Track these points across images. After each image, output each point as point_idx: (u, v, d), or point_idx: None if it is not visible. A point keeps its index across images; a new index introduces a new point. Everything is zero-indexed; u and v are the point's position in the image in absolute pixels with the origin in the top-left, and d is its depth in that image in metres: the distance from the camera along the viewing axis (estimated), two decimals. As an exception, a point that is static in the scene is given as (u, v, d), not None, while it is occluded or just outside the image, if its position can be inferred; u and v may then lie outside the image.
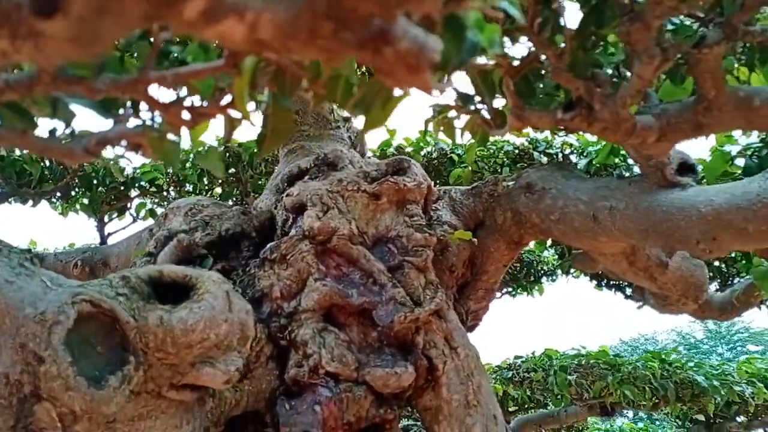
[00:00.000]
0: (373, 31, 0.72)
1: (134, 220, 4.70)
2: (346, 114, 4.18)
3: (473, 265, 3.50)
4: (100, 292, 2.02)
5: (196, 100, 1.30)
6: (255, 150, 4.85)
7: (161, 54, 1.31)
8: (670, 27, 1.98)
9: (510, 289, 6.59)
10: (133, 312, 2.04)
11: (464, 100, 2.03)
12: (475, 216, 3.50)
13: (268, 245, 2.97)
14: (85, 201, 4.43)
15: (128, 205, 4.66)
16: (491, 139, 4.77)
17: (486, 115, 2.02)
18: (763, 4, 1.69)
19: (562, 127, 1.96)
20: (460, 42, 0.94)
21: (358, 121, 4.23)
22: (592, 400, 4.70)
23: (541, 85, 2.05)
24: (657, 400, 4.56)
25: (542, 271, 5.95)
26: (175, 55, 1.32)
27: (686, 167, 2.67)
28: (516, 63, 1.82)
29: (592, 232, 2.93)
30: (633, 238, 2.79)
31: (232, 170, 5.25)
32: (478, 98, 2.03)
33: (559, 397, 4.91)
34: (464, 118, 2.29)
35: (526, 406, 6.47)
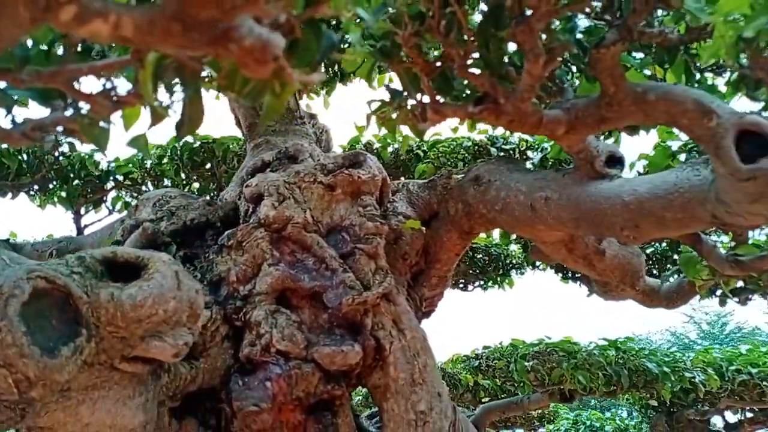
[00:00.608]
0: (218, 31, 0.90)
1: (110, 212, 4.88)
2: (312, 111, 4.35)
3: (427, 253, 3.67)
4: (56, 270, 2.19)
5: (122, 90, 1.48)
6: (228, 145, 5.03)
7: (86, 49, 1.48)
8: (582, 29, 2.17)
9: (481, 282, 6.79)
10: (86, 288, 2.21)
11: (393, 95, 2.21)
12: (429, 207, 3.67)
13: (226, 233, 3.15)
14: (63, 194, 4.61)
15: (104, 197, 4.84)
16: (453, 135, 4.95)
17: (415, 109, 2.20)
18: (652, 8, 1.87)
19: (477, 120, 2.14)
20: (318, 41, 1.12)
21: (324, 118, 4.40)
22: (552, 387, 4.88)
23: (465, 82, 2.22)
24: (613, 387, 4.75)
25: (510, 265, 6.14)
26: (99, 49, 1.49)
27: (614, 159, 2.84)
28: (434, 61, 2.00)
29: (531, 221, 3.11)
30: (566, 226, 2.97)
31: (208, 165, 5.44)
32: (405, 94, 2.21)
33: (521, 384, 5.08)
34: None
35: (497, 395, 6.67)
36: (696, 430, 5.76)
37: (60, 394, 2.23)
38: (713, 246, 2.84)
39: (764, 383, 4.80)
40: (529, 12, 1.64)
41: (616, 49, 1.96)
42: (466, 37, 1.77)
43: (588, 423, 6.95)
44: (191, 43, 0.90)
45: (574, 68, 2.68)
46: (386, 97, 2.34)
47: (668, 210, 2.57)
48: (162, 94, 1.46)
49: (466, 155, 4.51)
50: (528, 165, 4.37)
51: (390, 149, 5.00)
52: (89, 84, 1.43)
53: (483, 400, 6.60)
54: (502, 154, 4.34)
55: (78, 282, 2.21)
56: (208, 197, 3.92)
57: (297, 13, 1.08)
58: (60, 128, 1.54)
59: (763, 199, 1.96)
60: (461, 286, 6.84)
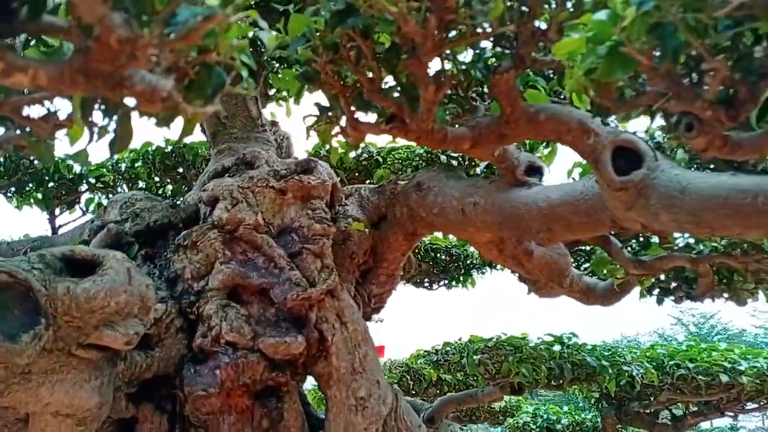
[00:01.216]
0: (115, 80, 1.18)
1: (83, 213, 5.13)
2: (273, 119, 4.62)
3: (375, 253, 3.95)
4: (18, 266, 2.46)
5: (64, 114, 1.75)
6: (197, 150, 5.29)
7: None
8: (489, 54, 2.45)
9: (445, 282, 7.08)
10: (45, 283, 2.48)
11: (321, 111, 2.49)
12: (378, 211, 3.94)
13: (183, 233, 3.42)
14: (39, 195, 4.86)
15: (77, 199, 5.10)
16: (407, 143, 5.23)
17: (337, 124, 2.49)
18: (537, 41, 2.15)
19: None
20: (210, 80, 1.40)
21: (285, 126, 4.67)
22: (502, 380, 5.18)
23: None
24: (557, 380, 5.04)
25: (471, 265, 6.43)
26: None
27: (534, 169, 3.13)
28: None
29: (463, 224, 3.40)
30: (491, 229, 3.27)
31: (180, 169, 5.70)
32: (330, 112, 2.49)
33: (475, 377, 5.37)
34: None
35: (460, 389, 6.96)
36: (643, 422, 6.08)
37: (21, 376, 2.50)
38: (619, 248, 3.14)
39: (699, 377, 5.11)
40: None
41: (509, 75, 2.25)
42: (373, 66, 2.05)
43: (545, 416, 7.29)
44: (94, 89, 1.19)
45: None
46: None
47: (575, 215, 2.87)
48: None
49: (420, 162, 4.80)
50: (478, 171, 4.67)
51: (352, 155, 5.28)
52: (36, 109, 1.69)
53: (446, 393, 6.88)
54: (454, 162, 4.62)
55: (38, 277, 2.48)
56: (172, 200, 4.18)
57: (189, 60, 1.35)
58: (11, 145, 1.82)
59: (636, 207, 2.26)
60: (426, 285, 7.13)
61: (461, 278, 6.75)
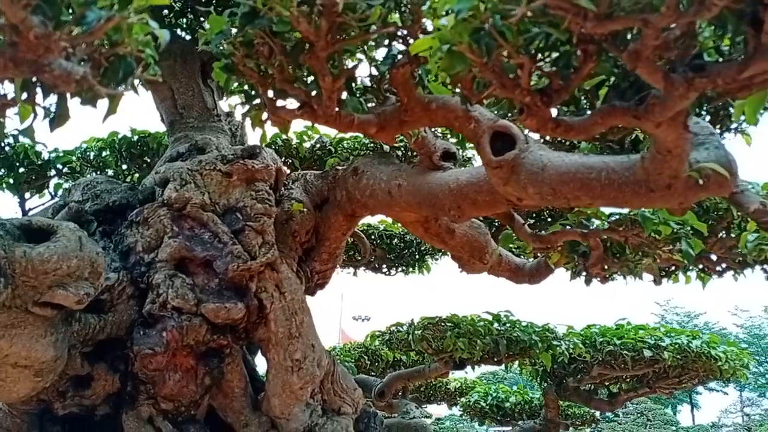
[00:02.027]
0: (37, 66, 1.55)
1: (52, 198, 5.47)
2: (230, 110, 4.98)
3: (318, 233, 4.32)
4: (-20, 233, 2.82)
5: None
6: (161, 139, 5.63)
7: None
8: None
9: (403, 268, 7.46)
10: (5, 247, 2.83)
11: (247, 98, 2.86)
12: (321, 194, 4.31)
13: (135, 211, 3.78)
14: (10, 180, 5.19)
15: (47, 184, 5.43)
16: (356, 133, 5.61)
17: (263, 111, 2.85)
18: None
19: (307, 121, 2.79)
20: (120, 69, 1.77)
21: (238, 115, 5.01)
22: (444, 354, 5.58)
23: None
24: (497, 355, 5.44)
25: (425, 251, 6.82)
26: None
27: (449, 155, 3.52)
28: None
29: (390, 204, 3.78)
30: (413, 208, 3.65)
31: (146, 157, 6.04)
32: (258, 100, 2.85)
33: (424, 355, 5.76)
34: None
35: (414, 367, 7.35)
36: (581, 397, 6.50)
37: (-17, 329, 2.85)
38: (522, 224, 3.54)
39: (625, 352, 5.54)
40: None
41: (405, 69, 2.63)
42: (281, 59, 2.42)
43: (495, 395, 7.71)
44: (22, 73, 1.55)
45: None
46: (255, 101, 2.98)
47: (479, 193, 3.26)
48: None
49: (366, 151, 5.17)
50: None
51: (307, 145, 5.66)
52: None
53: (397, 371, 7.25)
54: (399, 152, 5.00)
55: (-2, 242, 2.83)
56: (132, 184, 4.53)
57: (103, 52, 1.72)
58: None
59: (510, 182, 2.65)
60: (384, 271, 7.52)
61: (416, 264, 7.13)
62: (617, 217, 3.32)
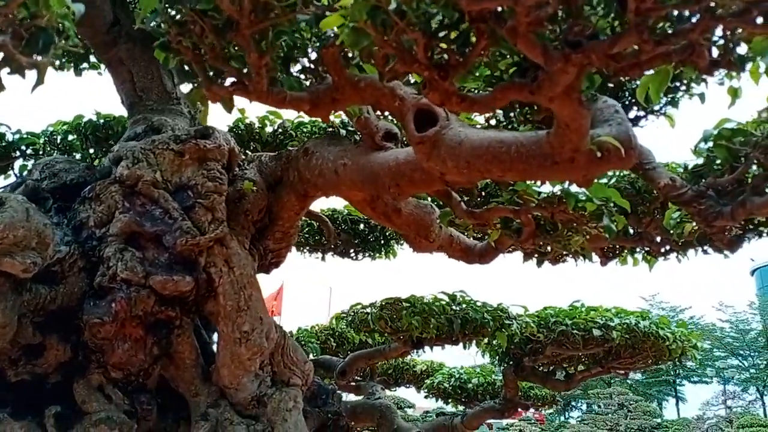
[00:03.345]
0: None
1: (17, 179, 5.57)
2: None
3: (271, 212, 4.46)
4: (-73, 202, 2.94)
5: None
6: (126, 124, 5.74)
7: None
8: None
9: (369, 253, 7.62)
10: (-49, 217, 2.96)
11: (184, 75, 2.99)
12: (275, 175, 4.44)
13: (88, 187, 3.90)
14: (-25, 161, 5.30)
15: (11, 165, 5.54)
16: (310, 118, 5.74)
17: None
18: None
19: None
20: (39, 40, 1.90)
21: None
22: (402, 333, 5.75)
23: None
24: (452, 334, 5.62)
25: (389, 236, 6.97)
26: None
27: (390, 135, 3.67)
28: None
29: (337, 183, 3.92)
30: (357, 186, 3.80)
31: (111, 141, 6.15)
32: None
33: (384, 335, 5.93)
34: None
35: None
36: (537, 377, 6.70)
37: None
38: (459, 201, 3.69)
39: (576, 332, 5.73)
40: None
41: (334, 48, 2.77)
42: (212, 37, 2.55)
43: (458, 376, 7.90)
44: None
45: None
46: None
47: (415, 171, 3.41)
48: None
49: (325, 134, 5.31)
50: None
51: (269, 129, 5.79)
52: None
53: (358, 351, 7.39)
54: (357, 136, 5.14)
55: (-55, 212, 2.95)
56: (90, 163, 4.65)
57: (24, 24, 1.85)
58: None
59: (432, 158, 2.80)
60: (352, 256, 7.66)
61: (382, 249, 7.28)
62: (546, 194, 3.49)
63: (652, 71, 2.65)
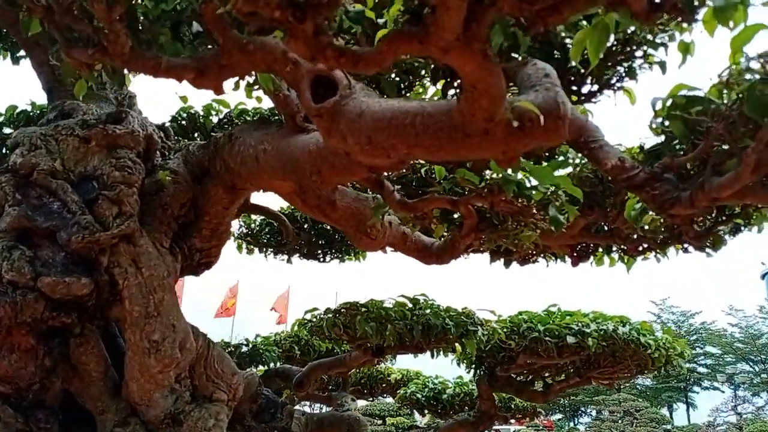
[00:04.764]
0: None
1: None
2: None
3: (196, 207, 4.01)
4: None
5: None
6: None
7: None
8: None
9: (338, 255, 7.15)
10: None
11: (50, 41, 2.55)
12: (201, 165, 3.99)
13: (-25, 177, 3.46)
14: None
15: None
16: (258, 105, 5.29)
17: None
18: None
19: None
20: None
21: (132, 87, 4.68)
22: (360, 341, 5.28)
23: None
24: (412, 341, 5.14)
25: (355, 235, 6.50)
26: None
27: (313, 115, 3.21)
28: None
29: (258, 171, 3.48)
30: (278, 175, 3.35)
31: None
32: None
33: (335, 338, 5.44)
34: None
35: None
36: (513, 387, 6.21)
37: None
38: (392, 191, 3.22)
39: (548, 338, 5.23)
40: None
41: (214, 4, 2.32)
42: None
43: (432, 386, 7.41)
44: None
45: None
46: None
47: (337, 156, 2.95)
48: None
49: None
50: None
51: (215, 119, 5.35)
52: None
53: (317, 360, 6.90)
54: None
55: None
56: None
57: None
58: None
59: (333, 133, 2.35)
60: (319, 257, 7.19)
61: (350, 250, 6.82)
62: (486, 183, 3.02)
63: (586, 26, 2.19)
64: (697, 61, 2.53)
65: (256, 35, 2.18)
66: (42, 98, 5.20)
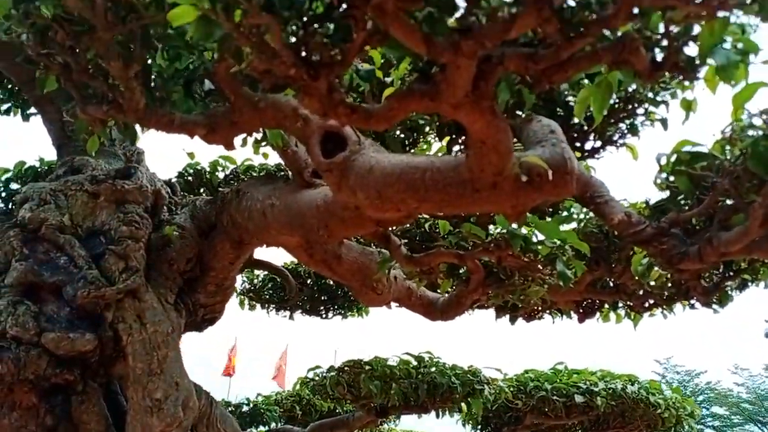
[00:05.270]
0: None
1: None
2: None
3: (202, 262, 4.01)
4: None
5: None
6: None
7: None
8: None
9: (340, 311, 7.09)
10: None
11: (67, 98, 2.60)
12: (208, 220, 4.02)
13: (-16, 232, 3.48)
14: None
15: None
16: (264, 161, 5.36)
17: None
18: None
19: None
20: None
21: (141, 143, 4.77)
22: (364, 401, 5.17)
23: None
24: (417, 401, 5.03)
25: (358, 291, 6.46)
26: None
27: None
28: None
29: (265, 226, 3.50)
30: (285, 230, 3.37)
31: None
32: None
33: (338, 397, 5.33)
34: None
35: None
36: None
37: None
38: (398, 245, 3.23)
39: (555, 397, 5.13)
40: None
41: (228, 62, 2.39)
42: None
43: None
44: None
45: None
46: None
47: (345, 210, 2.99)
48: None
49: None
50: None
51: (221, 175, 5.42)
52: None
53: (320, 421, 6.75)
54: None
55: None
56: (7, 208, 4.25)
57: None
58: None
59: (342, 188, 2.38)
60: (322, 313, 7.13)
61: (353, 306, 6.78)
62: (493, 236, 3.03)
63: (589, 84, 2.25)
64: (698, 117, 2.57)
65: (269, 92, 2.22)
66: (47, 154, 5.29)
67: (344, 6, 1.61)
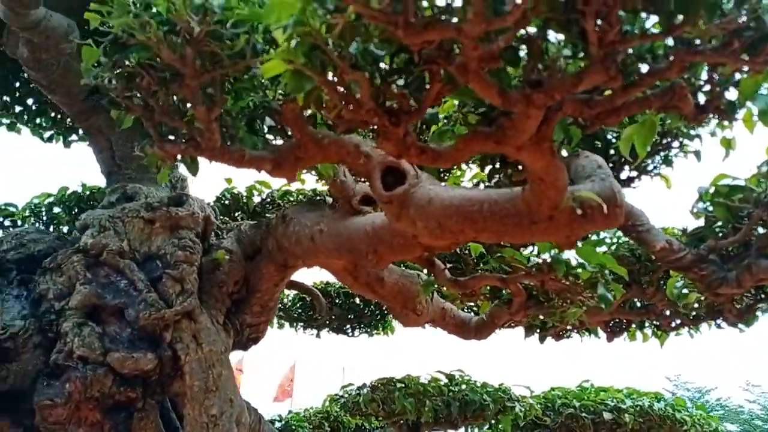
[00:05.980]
0: None
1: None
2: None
3: (248, 284, 4.20)
4: None
5: None
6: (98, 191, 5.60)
7: None
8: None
9: (367, 330, 7.25)
10: None
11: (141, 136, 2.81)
12: (253, 244, 4.21)
13: (50, 257, 3.68)
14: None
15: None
16: (301, 186, 5.56)
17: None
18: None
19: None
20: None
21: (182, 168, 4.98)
22: (396, 417, 5.31)
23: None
24: (449, 417, 5.17)
25: (386, 310, 6.64)
26: None
27: (368, 199, 3.45)
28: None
29: (313, 251, 3.68)
30: (333, 254, 3.55)
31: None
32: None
33: (369, 414, 5.47)
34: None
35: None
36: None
37: None
38: (442, 269, 3.41)
39: (584, 414, 5.26)
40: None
41: (295, 104, 2.59)
42: (158, 90, 2.39)
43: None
44: None
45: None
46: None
47: (394, 237, 3.17)
48: None
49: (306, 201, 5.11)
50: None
51: (257, 199, 5.62)
52: None
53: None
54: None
55: None
56: (61, 234, 4.46)
57: None
58: None
59: (401, 218, 2.56)
60: (347, 331, 7.30)
61: (379, 324, 6.94)
62: (536, 261, 3.21)
63: (635, 123, 2.43)
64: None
65: (342, 134, 2.41)
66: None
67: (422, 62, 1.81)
